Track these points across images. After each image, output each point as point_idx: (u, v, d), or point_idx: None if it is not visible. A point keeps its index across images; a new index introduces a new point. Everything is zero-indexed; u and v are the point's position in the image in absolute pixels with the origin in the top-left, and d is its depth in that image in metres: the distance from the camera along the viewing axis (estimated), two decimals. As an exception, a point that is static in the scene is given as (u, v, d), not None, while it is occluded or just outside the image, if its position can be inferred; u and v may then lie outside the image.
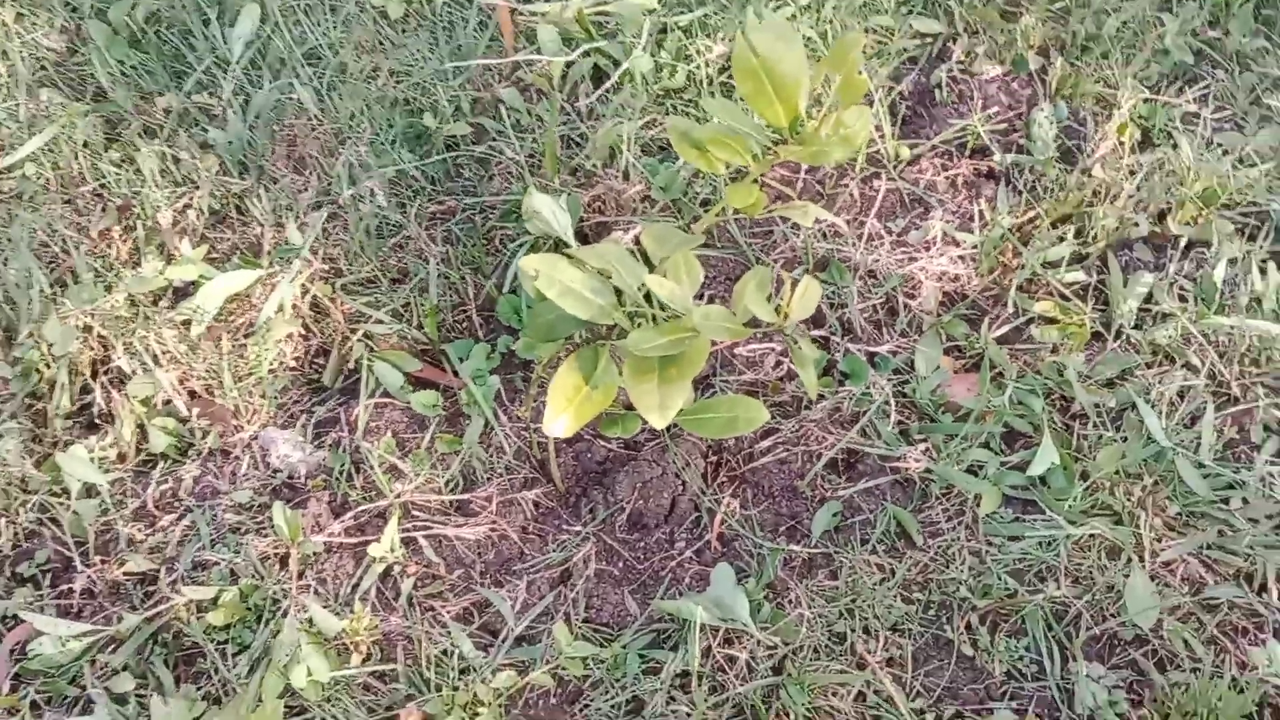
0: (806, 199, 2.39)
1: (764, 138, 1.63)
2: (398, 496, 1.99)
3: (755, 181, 1.67)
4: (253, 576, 1.90)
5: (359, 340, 2.19)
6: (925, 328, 2.19)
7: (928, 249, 2.28)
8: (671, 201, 2.31)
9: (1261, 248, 2.24)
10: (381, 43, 2.62)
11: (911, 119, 2.54)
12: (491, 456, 2.05)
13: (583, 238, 2.29)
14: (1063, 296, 2.21)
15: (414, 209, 2.35)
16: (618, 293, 1.61)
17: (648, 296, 1.60)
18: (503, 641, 1.86)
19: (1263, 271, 2.19)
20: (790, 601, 1.88)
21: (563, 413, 1.60)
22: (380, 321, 2.21)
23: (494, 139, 2.43)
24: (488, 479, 2.04)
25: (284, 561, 1.92)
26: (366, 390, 2.11)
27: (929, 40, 2.65)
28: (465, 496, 2.02)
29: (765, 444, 2.06)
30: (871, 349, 2.17)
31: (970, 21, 2.66)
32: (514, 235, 2.30)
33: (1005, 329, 2.19)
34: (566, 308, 1.59)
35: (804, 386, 2.08)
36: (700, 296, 2.19)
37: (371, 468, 2.01)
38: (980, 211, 2.34)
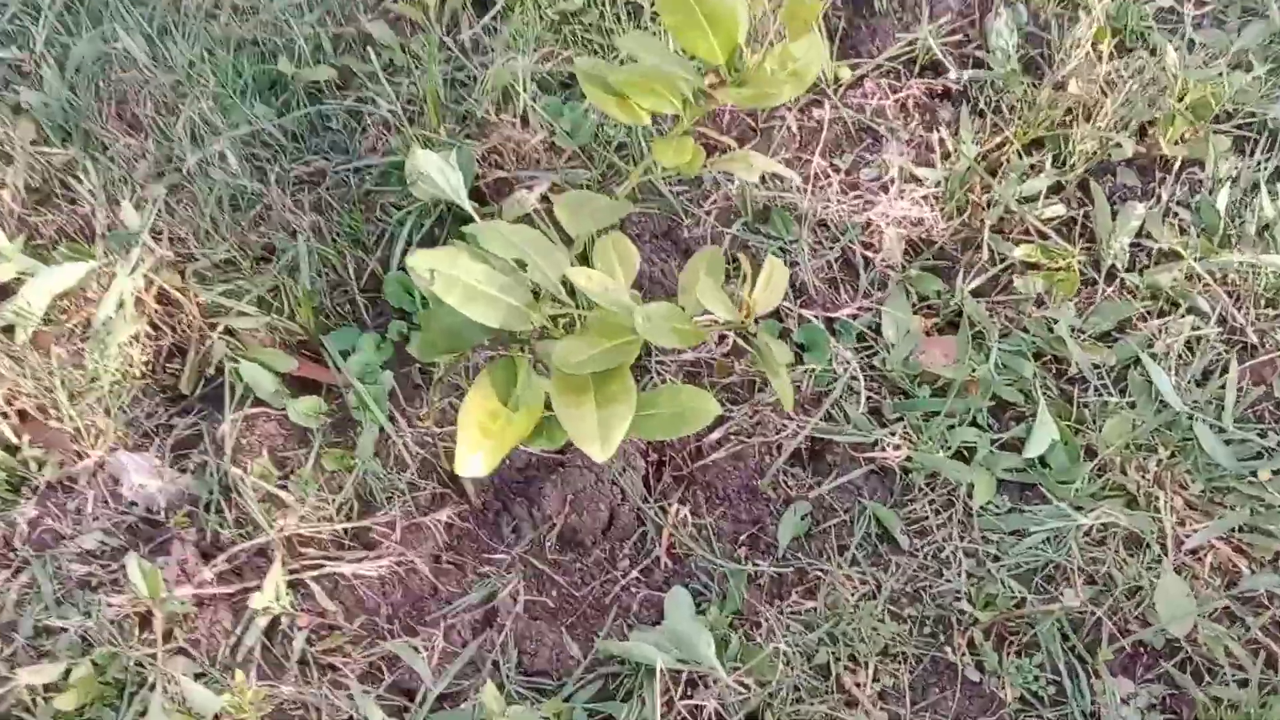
0: (735, 136, 2.08)
1: (696, 78, 1.38)
2: (280, 531, 1.69)
3: (687, 133, 1.43)
4: (109, 643, 1.60)
5: (219, 337, 1.88)
6: (890, 284, 1.91)
7: (885, 190, 1.99)
8: (580, 148, 1.99)
9: (1263, 165, 1.96)
10: (221, -28, 2.26)
11: (849, 34, 2.22)
12: (391, 472, 1.75)
13: (479, 198, 1.97)
14: (1043, 235, 1.92)
15: (274, 173, 2.03)
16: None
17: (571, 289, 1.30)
18: (420, 704, 1.57)
19: (1272, 194, 1.92)
20: (762, 631, 1.60)
21: (479, 447, 1.31)
22: (244, 313, 1.90)
23: (364, 84, 2.10)
24: (388, 500, 1.74)
25: (146, 621, 1.62)
26: (233, 399, 1.81)
27: (860, -63, 2.33)
28: (363, 524, 1.73)
29: (715, 436, 1.77)
30: (830, 314, 1.88)
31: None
32: (398, 201, 1.96)
33: (982, 279, 1.92)
34: (473, 315, 1.31)
35: (756, 364, 1.78)
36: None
37: (245, 496, 1.70)
38: (940, 140, 2.05)
